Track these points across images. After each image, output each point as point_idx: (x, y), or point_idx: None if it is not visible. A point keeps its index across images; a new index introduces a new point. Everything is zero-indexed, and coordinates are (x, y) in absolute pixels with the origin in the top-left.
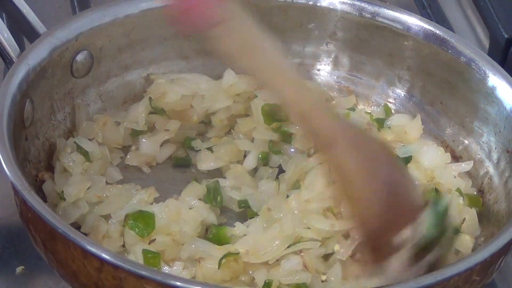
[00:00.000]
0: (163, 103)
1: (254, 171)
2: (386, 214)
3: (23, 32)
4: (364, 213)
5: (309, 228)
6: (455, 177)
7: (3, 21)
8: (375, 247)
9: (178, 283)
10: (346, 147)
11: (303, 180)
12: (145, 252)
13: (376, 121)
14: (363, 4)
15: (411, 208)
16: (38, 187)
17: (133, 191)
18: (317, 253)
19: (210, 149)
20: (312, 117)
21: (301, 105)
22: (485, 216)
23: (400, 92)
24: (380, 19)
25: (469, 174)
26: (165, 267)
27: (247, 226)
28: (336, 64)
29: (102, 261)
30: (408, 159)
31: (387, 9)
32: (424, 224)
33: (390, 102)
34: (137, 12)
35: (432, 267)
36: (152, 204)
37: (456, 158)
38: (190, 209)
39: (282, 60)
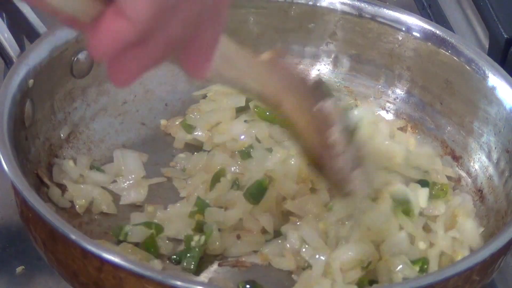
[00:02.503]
0: None
1: None
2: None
3: (23, 32)
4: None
5: None
6: None
7: (3, 21)
8: (329, 168)
9: (178, 283)
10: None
11: None
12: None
13: None
14: (363, 4)
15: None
16: (38, 187)
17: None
18: None
19: None
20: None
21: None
22: (485, 216)
23: (400, 92)
24: (380, 19)
25: (469, 174)
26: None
27: None
28: (336, 64)
29: (102, 261)
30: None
31: (387, 9)
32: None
33: (390, 102)
34: None
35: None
36: None
37: (456, 158)
38: None
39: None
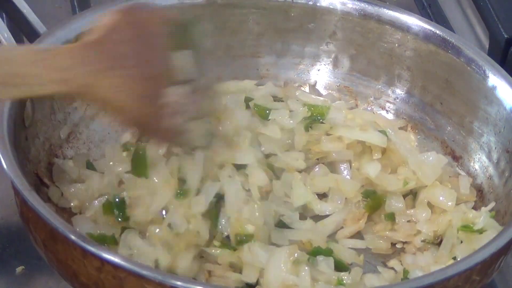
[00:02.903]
0: None
1: None
2: (145, 92)
3: (23, 32)
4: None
5: None
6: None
7: (3, 21)
8: (157, 124)
9: (178, 283)
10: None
11: None
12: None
13: None
14: (363, 4)
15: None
16: (38, 187)
17: None
18: None
19: None
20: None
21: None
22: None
23: (400, 92)
24: (380, 19)
25: (469, 174)
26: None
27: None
28: (336, 64)
29: (102, 261)
30: None
31: (387, 9)
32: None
33: (390, 102)
34: None
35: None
36: None
37: (456, 158)
38: None
39: None
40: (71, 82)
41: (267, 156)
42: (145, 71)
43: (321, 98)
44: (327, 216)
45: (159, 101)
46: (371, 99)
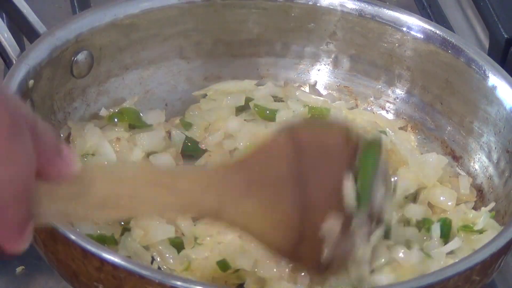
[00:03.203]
0: None
1: None
2: (301, 223)
3: (23, 32)
4: (279, 242)
5: None
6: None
7: (3, 21)
8: (308, 258)
9: (178, 283)
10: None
11: None
12: None
13: None
14: (363, 4)
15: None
16: None
17: None
18: None
19: None
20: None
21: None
22: None
23: (400, 92)
24: (380, 19)
25: (469, 174)
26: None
27: None
28: (336, 64)
29: (102, 261)
30: None
31: (387, 9)
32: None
33: (390, 102)
34: (137, 12)
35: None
36: None
37: (456, 158)
38: None
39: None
40: (190, 207)
41: None
42: (296, 199)
43: (321, 98)
44: None
45: (315, 234)
46: (371, 99)
